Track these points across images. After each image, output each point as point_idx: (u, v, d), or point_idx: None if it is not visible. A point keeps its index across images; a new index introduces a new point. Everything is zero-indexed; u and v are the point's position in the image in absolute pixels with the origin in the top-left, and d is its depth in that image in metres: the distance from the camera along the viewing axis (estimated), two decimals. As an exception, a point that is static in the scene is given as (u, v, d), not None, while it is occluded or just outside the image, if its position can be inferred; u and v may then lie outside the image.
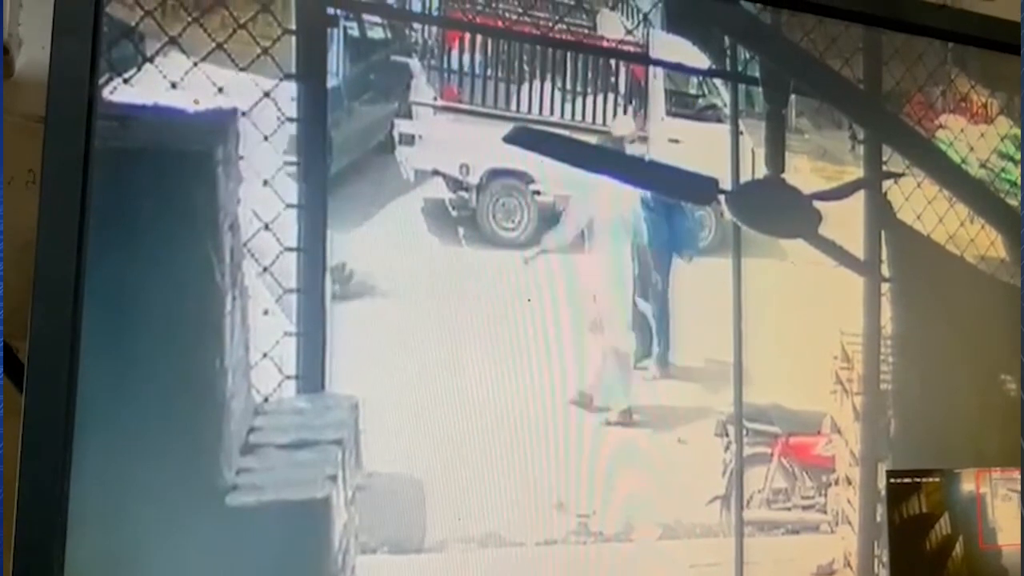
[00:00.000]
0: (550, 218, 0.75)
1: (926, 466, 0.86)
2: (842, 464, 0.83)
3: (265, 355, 0.64)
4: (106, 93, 0.61)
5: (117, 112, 0.62)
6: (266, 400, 0.64)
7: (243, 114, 0.65)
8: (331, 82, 0.68)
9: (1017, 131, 0.94)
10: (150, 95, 0.63)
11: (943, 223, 0.90)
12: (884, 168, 0.88)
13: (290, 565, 0.64)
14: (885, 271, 0.86)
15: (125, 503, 0.60)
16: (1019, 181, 0.93)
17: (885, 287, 0.86)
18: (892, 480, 0.84)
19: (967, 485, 0.88)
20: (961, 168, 0.92)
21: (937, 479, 0.86)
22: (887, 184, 0.88)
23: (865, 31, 0.88)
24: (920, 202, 0.89)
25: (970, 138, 0.92)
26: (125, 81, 0.62)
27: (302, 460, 0.64)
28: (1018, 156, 0.93)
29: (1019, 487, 0.88)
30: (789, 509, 0.80)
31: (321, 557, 0.64)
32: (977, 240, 0.91)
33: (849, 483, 0.83)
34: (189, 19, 0.64)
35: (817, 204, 0.84)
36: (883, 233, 0.87)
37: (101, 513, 0.59)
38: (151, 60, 0.63)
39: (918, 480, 0.86)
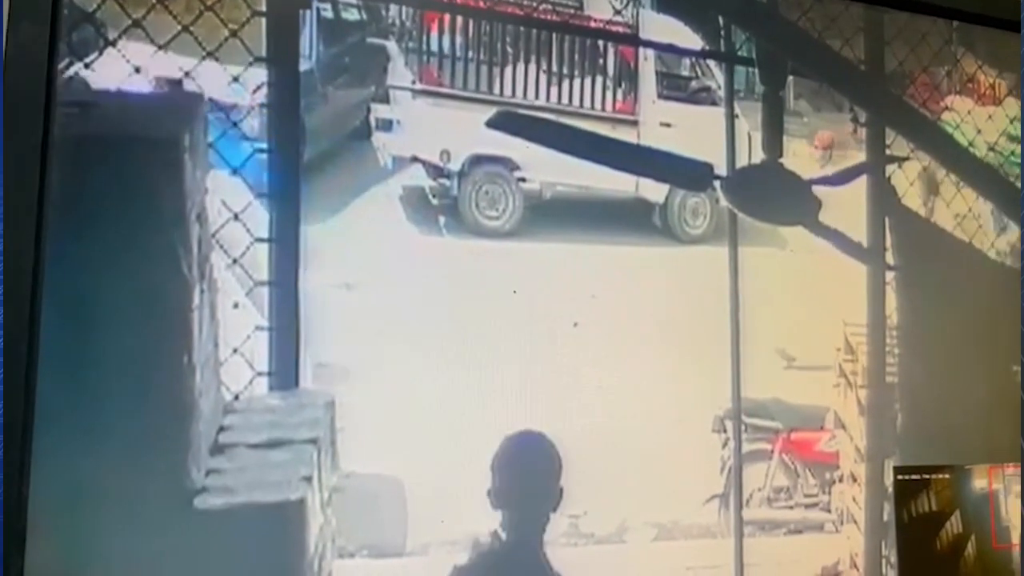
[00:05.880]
0: (536, 206, 0.72)
1: (936, 462, 0.82)
2: (847, 460, 0.79)
3: (235, 351, 0.61)
4: (65, 78, 0.59)
5: (77, 98, 0.59)
6: (236, 398, 0.61)
7: (210, 99, 0.62)
8: (304, 66, 0.66)
9: (1028, 112, 0.90)
10: (113, 80, 0.60)
11: (950, 208, 0.86)
12: (888, 152, 0.84)
13: (263, 571, 0.61)
14: (890, 259, 0.83)
15: (88, 507, 0.57)
16: (1029, 164, 0.89)
17: (890, 275, 0.82)
18: (900, 477, 0.81)
19: (979, 482, 0.84)
20: (968, 151, 0.88)
21: (947, 476, 0.83)
22: (891, 168, 0.84)
23: (866, 10, 0.85)
24: (926, 186, 0.85)
25: (977, 120, 0.89)
26: (86, 66, 0.59)
27: (275, 460, 0.61)
28: (1029, 138, 0.90)
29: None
30: (791, 508, 0.77)
31: (296, 562, 0.61)
32: (986, 226, 0.87)
33: (854, 480, 0.79)
34: (153, 1, 0.61)
35: (817, 190, 0.80)
36: (887, 219, 0.83)
37: (62, 518, 0.56)
38: (113, 44, 0.60)
39: (927, 477, 0.82)
